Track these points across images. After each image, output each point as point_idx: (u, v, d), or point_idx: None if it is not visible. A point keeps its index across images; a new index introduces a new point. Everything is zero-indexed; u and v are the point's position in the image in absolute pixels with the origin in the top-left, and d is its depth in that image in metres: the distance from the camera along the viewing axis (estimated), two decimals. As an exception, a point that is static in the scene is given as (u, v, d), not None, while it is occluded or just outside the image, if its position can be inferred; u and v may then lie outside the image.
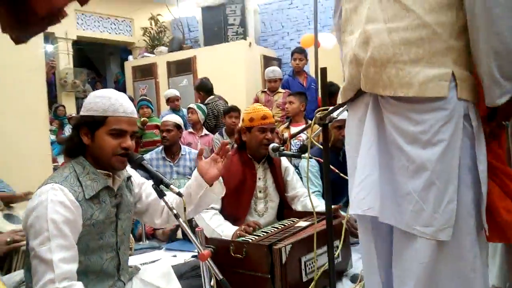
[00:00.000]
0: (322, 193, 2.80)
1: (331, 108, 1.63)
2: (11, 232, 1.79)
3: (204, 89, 4.66)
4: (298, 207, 2.43)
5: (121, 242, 1.54)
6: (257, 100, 4.63)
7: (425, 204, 1.14)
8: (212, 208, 2.21)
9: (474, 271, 1.17)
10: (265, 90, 4.69)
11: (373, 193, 1.18)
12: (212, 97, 4.62)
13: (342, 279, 2.09)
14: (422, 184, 1.14)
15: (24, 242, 1.56)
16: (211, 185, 1.63)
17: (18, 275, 1.59)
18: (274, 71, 4.60)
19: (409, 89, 1.13)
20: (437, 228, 1.13)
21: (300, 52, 4.75)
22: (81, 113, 1.48)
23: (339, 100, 1.43)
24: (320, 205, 2.33)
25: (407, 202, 1.16)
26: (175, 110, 4.77)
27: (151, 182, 1.65)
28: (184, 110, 4.83)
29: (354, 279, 2.08)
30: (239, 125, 2.38)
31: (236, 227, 2.10)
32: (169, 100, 4.83)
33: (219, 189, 1.68)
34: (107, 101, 1.43)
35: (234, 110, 4.02)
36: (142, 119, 4.20)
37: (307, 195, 2.37)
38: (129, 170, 1.64)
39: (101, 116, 1.42)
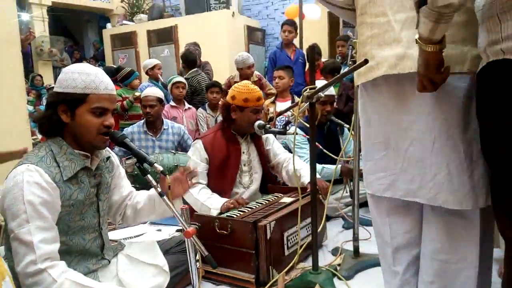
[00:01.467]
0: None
1: (319, 86, 1.63)
2: None
3: (186, 60, 4.51)
4: (283, 173, 2.45)
5: (103, 222, 1.54)
6: (228, 85, 4.23)
7: (485, 180, 1.22)
8: (199, 183, 2.22)
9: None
10: (236, 80, 4.27)
11: (445, 187, 1.25)
12: (195, 69, 4.47)
13: (322, 251, 2.16)
14: (482, 162, 1.21)
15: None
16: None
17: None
18: (244, 58, 4.10)
19: (463, 65, 1.18)
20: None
21: (290, 24, 4.65)
22: (57, 89, 1.39)
23: (360, 80, 1.40)
24: (303, 167, 2.33)
25: (470, 185, 1.22)
26: (156, 80, 4.61)
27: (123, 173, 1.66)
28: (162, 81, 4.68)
29: (335, 251, 2.14)
30: (227, 100, 2.33)
31: (225, 199, 2.12)
32: (154, 68, 4.60)
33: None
34: (87, 77, 1.37)
35: (215, 85, 4.02)
36: (136, 93, 4.06)
37: (290, 158, 2.40)
38: (109, 151, 1.61)
39: (81, 93, 1.36)
